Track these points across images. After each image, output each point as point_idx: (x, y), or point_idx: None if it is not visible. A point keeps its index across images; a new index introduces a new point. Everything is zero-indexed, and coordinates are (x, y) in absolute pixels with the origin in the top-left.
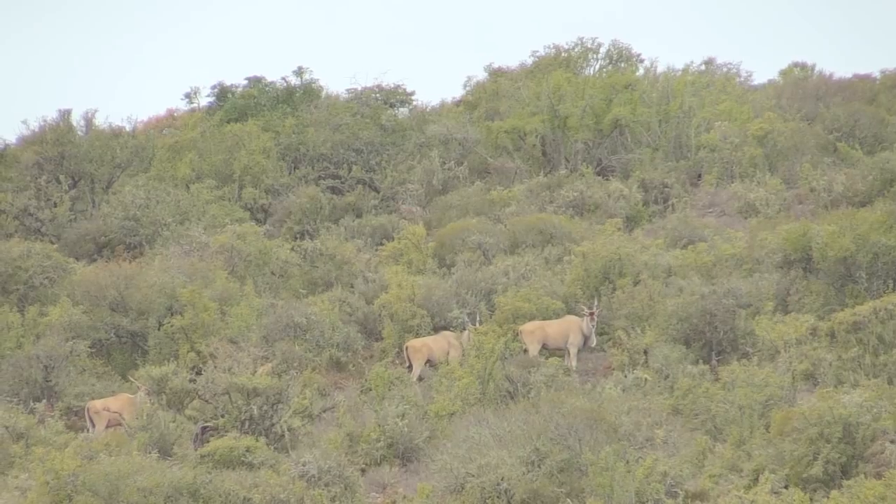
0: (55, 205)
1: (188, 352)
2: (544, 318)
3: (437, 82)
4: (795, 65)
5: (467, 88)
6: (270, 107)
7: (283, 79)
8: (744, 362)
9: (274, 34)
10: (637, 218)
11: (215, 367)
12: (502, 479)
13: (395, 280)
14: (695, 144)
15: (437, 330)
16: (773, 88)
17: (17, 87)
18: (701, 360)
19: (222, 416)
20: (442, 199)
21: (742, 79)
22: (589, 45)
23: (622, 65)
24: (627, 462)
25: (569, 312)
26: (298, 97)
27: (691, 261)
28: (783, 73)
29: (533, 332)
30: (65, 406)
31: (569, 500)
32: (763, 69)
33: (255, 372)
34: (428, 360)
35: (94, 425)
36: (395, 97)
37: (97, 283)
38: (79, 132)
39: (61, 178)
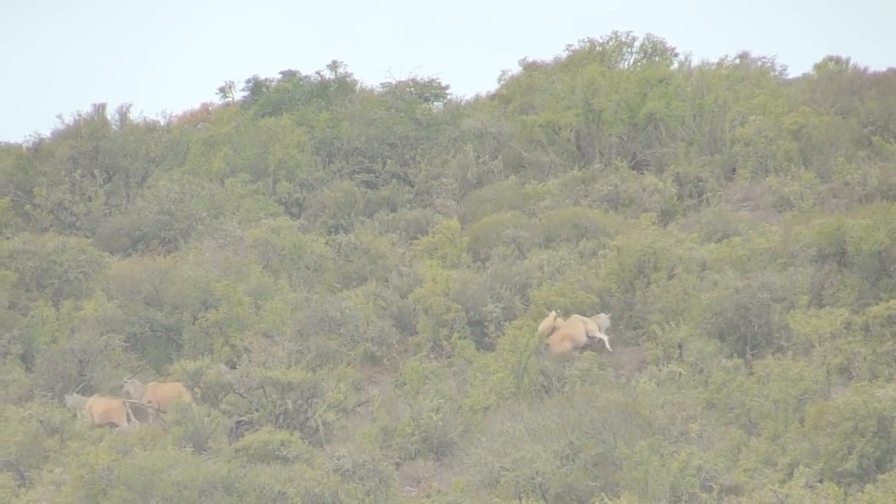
0: (90, 199)
1: (223, 346)
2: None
3: (471, 76)
4: (830, 59)
5: (502, 82)
6: (305, 101)
7: (318, 73)
8: (778, 356)
9: (309, 28)
10: (671, 212)
11: (250, 361)
12: (537, 473)
13: (429, 274)
14: (729, 138)
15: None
16: (808, 82)
17: (51, 82)
18: (735, 354)
19: (257, 411)
20: (476, 194)
21: (776, 73)
22: (623, 39)
23: (656, 59)
24: (662, 456)
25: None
26: (333, 91)
27: (726, 255)
28: (818, 66)
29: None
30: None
31: (603, 493)
32: (797, 63)
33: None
34: None
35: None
36: (429, 91)
37: (132, 278)
38: (113, 126)
39: (96, 172)
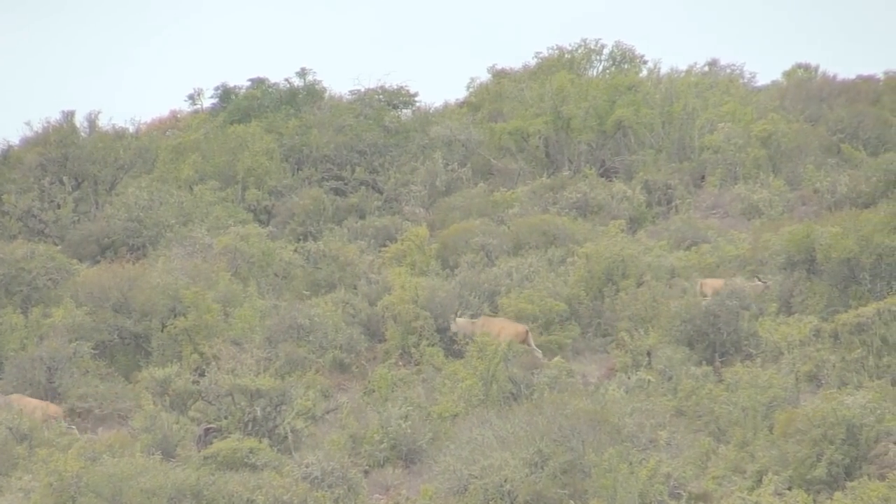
0: (58, 206)
1: (191, 353)
2: None
3: (440, 84)
4: (799, 66)
5: (470, 90)
6: (274, 108)
7: (287, 80)
8: (747, 364)
9: (277, 35)
10: (640, 219)
11: (218, 368)
12: (505, 481)
13: (398, 282)
14: (698, 146)
15: None
16: (777, 89)
17: (19, 89)
18: (704, 362)
19: (225, 418)
20: (445, 201)
21: (745, 80)
22: (592, 47)
23: (625, 66)
24: (631, 463)
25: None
26: (302, 98)
27: (695, 262)
28: (787, 74)
29: None
30: (68, 407)
31: (572, 501)
32: (766, 70)
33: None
34: None
35: None
36: (398, 98)
37: (100, 285)
38: (82, 133)
39: (65, 179)
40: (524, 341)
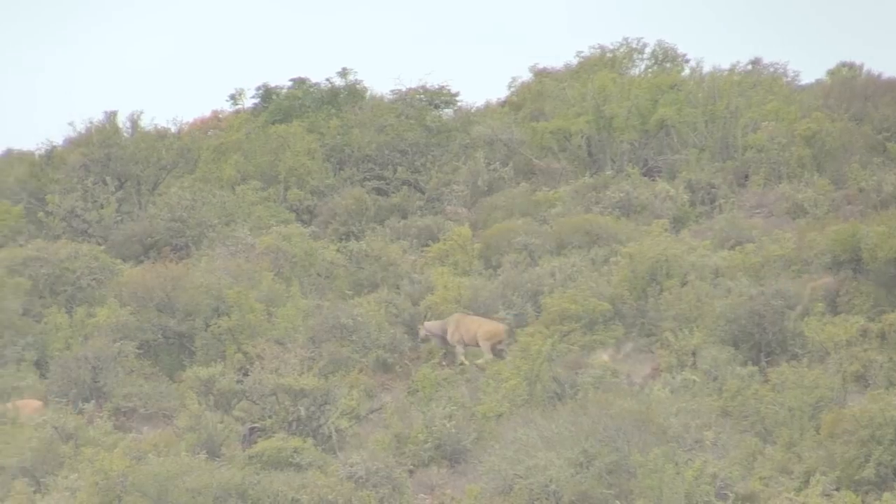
0: (102, 206)
1: (235, 353)
2: None
3: (481, 83)
4: (843, 64)
5: (512, 89)
6: (315, 108)
7: (328, 80)
8: (793, 364)
9: (318, 35)
10: (684, 219)
11: (262, 368)
12: (550, 481)
13: (441, 281)
14: (742, 145)
15: None
16: (821, 88)
17: (63, 89)
18: (750, 362)
19: (270, 417)
20: (487, 201)
21: (789, 79)
22: (634, 46)
23: (668, 65)
24: (676, 464)
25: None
26: (343, 98)
27: (739, 262)
28: (831, 72)
29: None
30: (113, 407)
31: (617, 501)
32: (810, 69)
33: None
34: None
35: None
36: (439, 98)
37: (144, 285)
38: (125, 134)
39: (108, 179)
40: (500, 342)
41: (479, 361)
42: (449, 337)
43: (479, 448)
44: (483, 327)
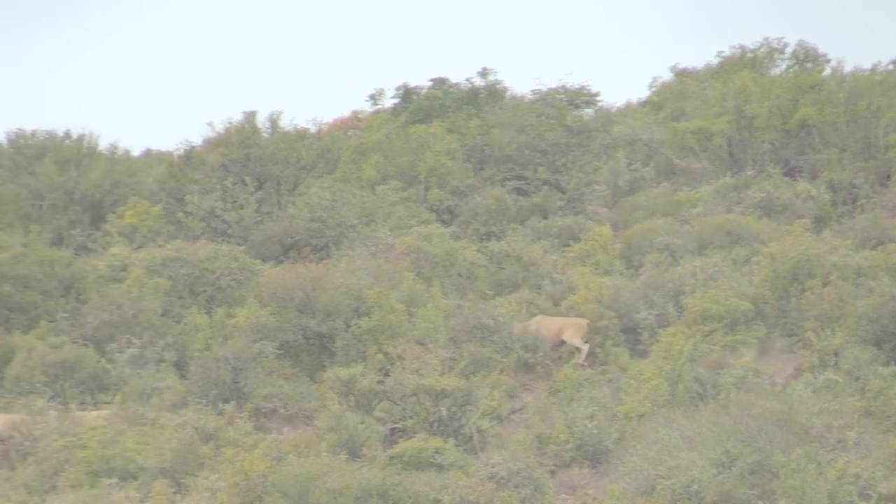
0: (241, 207)
1: (376, 353)
2: None
3: (622, 83)
4: None
5: (653, 89)
6: (455, 108)
7: (468, 80)
8: None
9: (458, 34)
10: (825, 219)
11: (403, 368)
12: (692, 481)
13: (582, 281)
14: (883, 144)
15: None
16: None
17: (202, 89)
18: (892, 362)
19: (411, 418)
20: (628, 201)
21: None
22: (775, 46)
23: (808, 65)
24: (819, 464)
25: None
26: (483, 98)
27: (881, 261)
28: None
29: None
30: (253, 407)
31: (760, 502)
32: None
33: None
34: None
35: None
36: (579, 98)
37: (284, 285)
38: (264, 134)
39: (247, 179)
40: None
41: (575, 361)
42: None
43: (621, 448)
44: (566, 324)
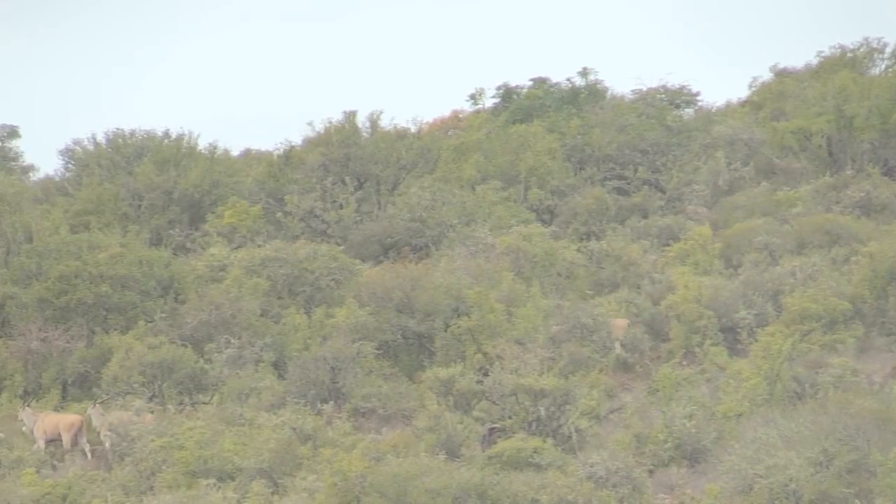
0: (341, 206)
1: (475, 353)
2: None
3: (722, 83)
4: None
5: (752, 89)
6: (555, 108)
7: (568, 80)
8: None
9: (558, 34)
10: None
11: (502, 368)
12: (790, 480)
13: (681, 281)
14: None
15: None
16: None
17: (301, 89)
18: None
19: (509, 418)
20: (728, 200)
21: None
22: (874, 46)
23: None
24: None
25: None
26: (583, 98)
27: None
28: None
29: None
30: (352, 407)
31: (857, 501)
32: None
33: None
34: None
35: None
36: (680, 98)
37: (383, 285)
38: (364, 133)
39: (347, 179)
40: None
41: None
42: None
43: (719, 448)
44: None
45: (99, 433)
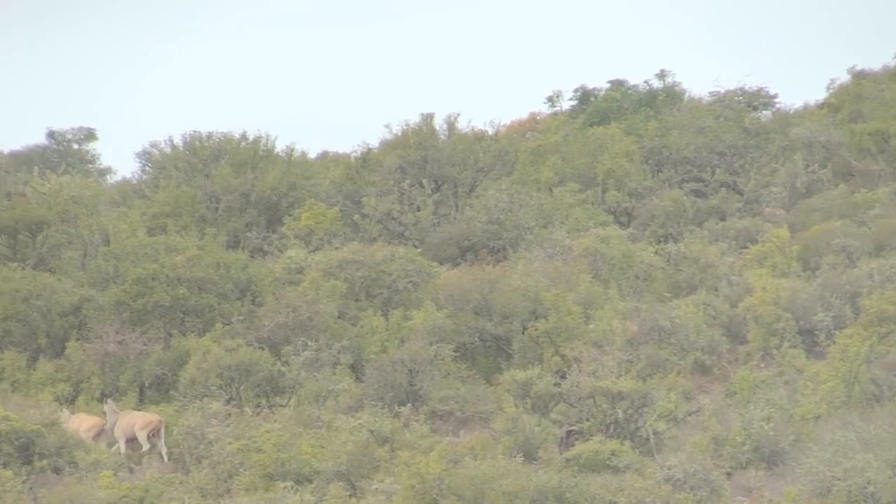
0: (418, 209)
1: (552, 356)
2: None
3: (799, 85)
4: None
5: (830, 91)
6: (633, 110)
7: (646, 82)
8: None
9: (635, 36)
10: None
11: (580, 370)
12: (868, 483)
13: (759, 283)
14: None
15: None
16: None
17: (379, 92)
18: None
19: (587, 420)
20: (805, 203)
21: None
22: None
23: None
24: None
25: None
26: (661, 100)
27: None
28: None
29: None
30: (429, 410)
31: None
32: None
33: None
34: None
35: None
36: (757, 100)
37: (461, 287)
38: (441, 136)
39: (424, 181)
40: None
41: None
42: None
43: (797, 450)
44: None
45: (112, 431)
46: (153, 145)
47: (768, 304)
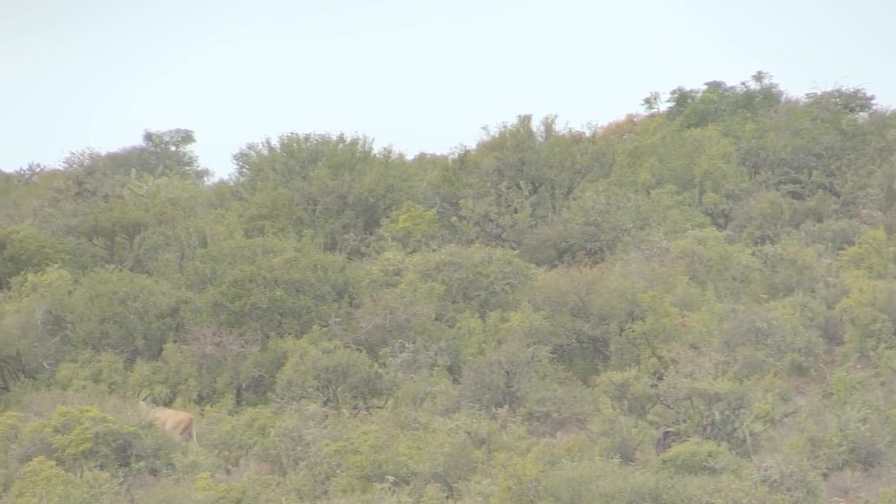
0: (515, 210)
1: (649, 357)
2: None
3: None
4: None
5: None
6: (730, 112)
7: (743, 83)
8: None
9: (733, 38)
10: None
11: (677, 372)
12: None
13: (856, 285)
14: None
15: None
16: None
17: (476, 94)
18: None
19: (684, 421)
20: None
21: None
22: None
23: None
24: None
25: None
26: (758, 102)
27: None
28: None
29: None
30: (527, 411)
31: None
32: None
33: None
34: None
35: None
36: (854, 102)
37: (558, 289)
38: (538, 138)
39: (521, 183)
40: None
41: None
42: None
43: (894, 451)
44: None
45: None
46: (250, 147)
47: (865, 305)
